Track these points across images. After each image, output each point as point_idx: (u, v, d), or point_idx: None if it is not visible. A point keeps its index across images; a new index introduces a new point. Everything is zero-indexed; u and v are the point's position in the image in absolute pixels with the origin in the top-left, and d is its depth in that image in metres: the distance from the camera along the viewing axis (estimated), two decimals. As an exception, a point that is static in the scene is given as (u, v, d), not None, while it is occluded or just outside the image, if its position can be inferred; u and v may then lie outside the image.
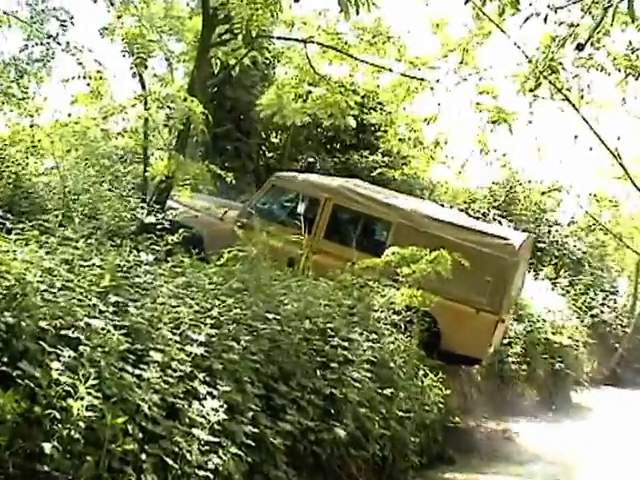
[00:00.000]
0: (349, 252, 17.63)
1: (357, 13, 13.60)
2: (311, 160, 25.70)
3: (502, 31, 12.76)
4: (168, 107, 19.06)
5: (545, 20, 12.30)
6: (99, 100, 19.53)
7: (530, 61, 13.21)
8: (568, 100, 13.38)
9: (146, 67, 18.97)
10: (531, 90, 13.77)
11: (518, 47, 12.04)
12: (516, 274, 18.25)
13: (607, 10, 9.69)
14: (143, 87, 18.76)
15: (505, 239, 18.08)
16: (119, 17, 19.08)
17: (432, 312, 17.11)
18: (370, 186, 20.58)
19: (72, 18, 22.93)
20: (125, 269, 10.57)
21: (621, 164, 10.25)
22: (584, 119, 9.83)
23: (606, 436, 19.06)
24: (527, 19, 12.17)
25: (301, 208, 19.20)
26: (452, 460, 15.96)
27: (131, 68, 18.79)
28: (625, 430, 20.06)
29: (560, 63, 13.69)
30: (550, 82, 13.33)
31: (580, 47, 12.17)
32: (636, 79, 14.17)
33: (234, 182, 19.42)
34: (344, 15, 13.19)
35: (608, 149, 9.69)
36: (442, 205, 27.69)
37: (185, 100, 16.80)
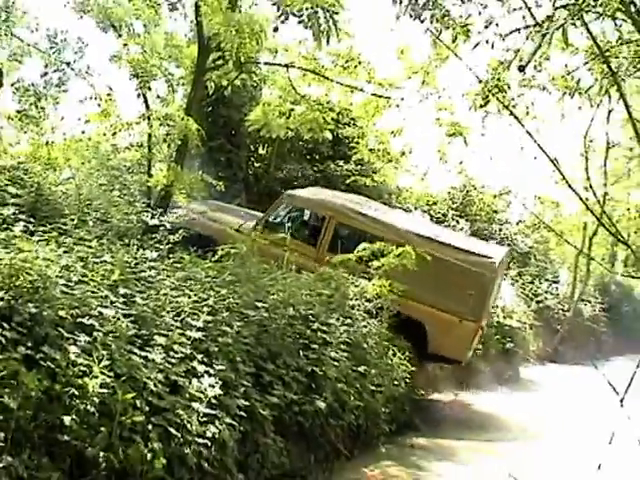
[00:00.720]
0: (350, 264, 17.41)
1: (327, 43, 13.69)
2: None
3: (456, 55, 12.86)
4: (168, 125, 19.09)
5: (492, 46, 12.39)
6: (109, 118, 19.56)
7: (480, 81, 13.28)
8: (514, 115, 13.45)
9: (149, 89, 19.02)
10: (481, 106, 13.85)
11: (470, 69, 12.14)
12: (494, 287, 18.27)
13: (544, 37, 9.77)
14: (147, 107, 18.81)
15: (487, 257, 17.95)
16: (125, 45, 19.07)
17: (422, 320, 17.31)
18: (372, 203, 20.51)
19: (86, 46, 22.96)
20: (132, 265, 10.61)
21: (560, 171, 10.34)
22: (528, 132, 9.95)
23: (548, 405, 19.14)
24: (476, 45, 12.25)
25: (308, 223, 19.23)
26: (418, 428, 16.01)
27: (136, 90, 18.84)
28: (563, 399, 20.16)
29: (507, 84, 13.78)
30: (498, 99, 13.40)
31: (521, 69, 12.25)
32: (571, 97, 14.27)
33: (226, 188, 19.53)
34: (317, 45, 13.28)
35: (549, 157, 9.79)
36: (423, 215, 27.92)
37: (182, 119, 16.87)
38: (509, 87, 14.00)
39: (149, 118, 18.43)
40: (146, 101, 19.07)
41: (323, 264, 17.31)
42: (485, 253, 18.33)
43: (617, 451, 7.56)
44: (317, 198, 19.52)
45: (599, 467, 5.86)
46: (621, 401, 6.03)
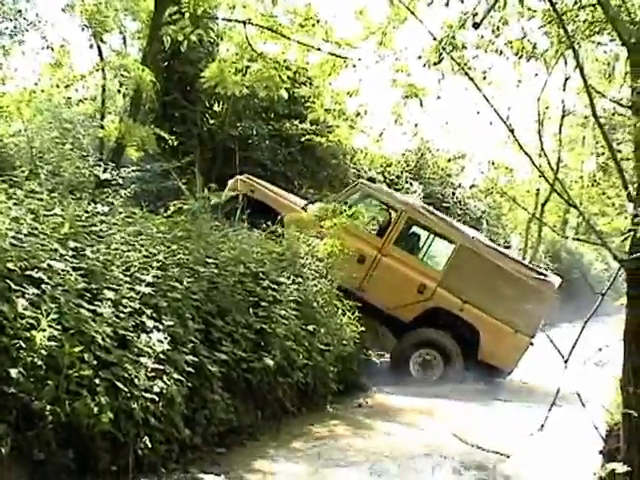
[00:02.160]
0: (414, 260, 18.21)
1: (284, -3, 13.58)
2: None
3: (412, 13, 12.81)
4: (122, 76, 18.93)
5: (447, 4, 12.43)
6: (62, 70, 19.37)
7: (435, 39, 13.30)
8: (469, 77, 13.47)
9: (103, 40, 18.82)
10: (435, 64, 13.90)
11: (425, 27, 12.13)
12: (549, 308, 18.52)
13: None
14: (101, 58, 18.63)
15: (548, 277, 18.32)
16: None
17: (476, 325, 17.56)
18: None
19: (39, -6, 22.66)
20: (83, 219, 10.56)
21: (514, 136, 10.39)
22: (484, 97, 9.95)
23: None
24: (432, 1, 12.30)
25: (378, 214, 19.31)
26: (366, 388, 16.16)
27: (89, 40, 18.65)
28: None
29: (463, 44, 13.82)
30: (452, 59, 13.44)
31: (476, 25, 12.29)
32: (527, 61, 14.34)
33: (181, 144, 19.47)
34: (272, 1, 13.23)
35: (504, 122, 9.80)
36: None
37: (137, 69, 16.76)
38: (464, 47, 14.06)
39: (103, 70, 18.27)
40: (100, 53, 18.90)
41: (387, 257, 17.78)
42: (547, 274, 18.72)
43: (561, 411, 7.71)
44: (391, 192, 19.96)
45: (541, 427, 5.97)
46: (565, 362, 6.15)
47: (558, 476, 10.81)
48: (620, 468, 5.94)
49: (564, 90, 31.80)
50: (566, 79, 30.21)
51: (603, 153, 32.48)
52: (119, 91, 21.31)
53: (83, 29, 17.99)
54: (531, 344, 17.59)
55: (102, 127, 17.93)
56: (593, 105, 7.22)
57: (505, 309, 17.43)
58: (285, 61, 23.29)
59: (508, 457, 6.12)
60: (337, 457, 11.00)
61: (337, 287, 16.03)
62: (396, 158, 33.68)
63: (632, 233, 5.85)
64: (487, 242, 19.14)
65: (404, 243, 18.54)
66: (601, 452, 8.00)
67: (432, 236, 18.79)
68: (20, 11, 22.65)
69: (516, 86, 19.95)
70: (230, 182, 18.89)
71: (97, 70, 18.88)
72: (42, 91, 19.91)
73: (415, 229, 19.00)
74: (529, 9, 13.65)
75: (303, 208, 18.53)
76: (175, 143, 18.73)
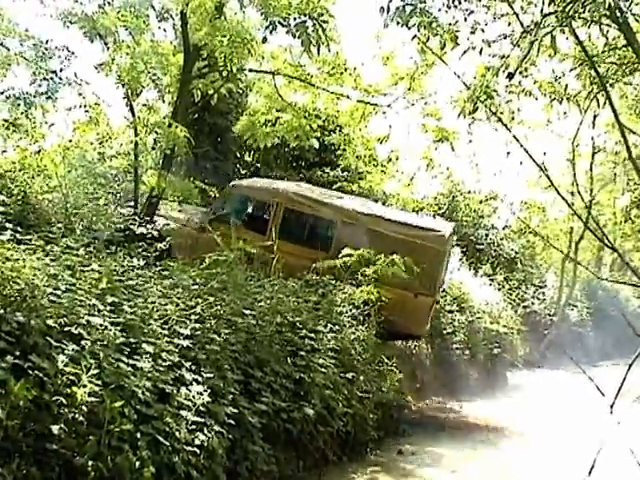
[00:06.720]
0: (300, 249, 17.80)
1: (318, 53, 13.58)
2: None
3: (444, 62, 12.83)
4: (156, 132, 19.06)
5: (480, 53, 12.43)
6: (96, 126, 19.54)
7: (468, 88, 13.31)
8: (501, 122, 13.45)
9: (139, 94, 18.95)
10: (470, 113, 13.91)
11: (458, 76, 12.12)
12: (445, 261, 18.34)
13: (533, 44, 9.82)
14: (133, 114, 18.77)
15: (436, 231, 18.09)
16: (113, 59, 18.96)
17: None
18: (317, 188, 20.41)
19: (72, 54, 22.92)
20: (120, 273, 10.60)
21: (547, 175, 10.29)
22: (515, 137, 9.84)
23: (536, 410, 19.18)
24: (465, 52, 12.31)
25: (256, 212, 19.27)
26: (405, 434, 16.03)
27: (123, 98, 18.82)
28: (551, 405, 20.20)
29: (495, 90, 13.83)
30: (486, 106, 13.44)
31: (510, 76, 12.29)
32: (560, 103, 14.31)
33: (216, 196, 19.56)
34: (307, 54, 13.21)
35: (535, 163, 9.71)
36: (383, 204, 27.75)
37: (170, 126, 16.87)
38: (497, 93, 14.07)
39: (135, 127, 18.40)
40: (132, 109, 19.04)
41: (275, 251, 17.27)
42: (434, 227, 18.49)
43: (607, 457, 7.59)
44: (263, 186, 19.52)
45: (589, 473, 5.87)
46: (611, 407, 6.06)
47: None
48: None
49: (593, 127, 31.80)
50: (595, 117, 30.21)
51: (636, 189, 32.33)
52: (153, 148, 21.49)
53: (118, 87, 18.15)
54: (437, 302, 17.31)
55: (136, 182, 18.02)
56: (627, 142, 7.20)
57: (398, 275, 16.84)
58: (315, 110, 23.40)
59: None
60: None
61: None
62: (428, 202, 33.63)
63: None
64: (370, 211, 18.74)
65: (289, 232, 18.21)
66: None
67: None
68: (54, 71, 22.95)
69: (545, 125, 19.97)
70: None
71: (130, 127, 19.02)
72: (76, 147, 20.11)
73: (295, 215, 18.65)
74: (558, 51, 13.68)
75: (184, 225, 18.38)
76: (216, 194, 18.84)
